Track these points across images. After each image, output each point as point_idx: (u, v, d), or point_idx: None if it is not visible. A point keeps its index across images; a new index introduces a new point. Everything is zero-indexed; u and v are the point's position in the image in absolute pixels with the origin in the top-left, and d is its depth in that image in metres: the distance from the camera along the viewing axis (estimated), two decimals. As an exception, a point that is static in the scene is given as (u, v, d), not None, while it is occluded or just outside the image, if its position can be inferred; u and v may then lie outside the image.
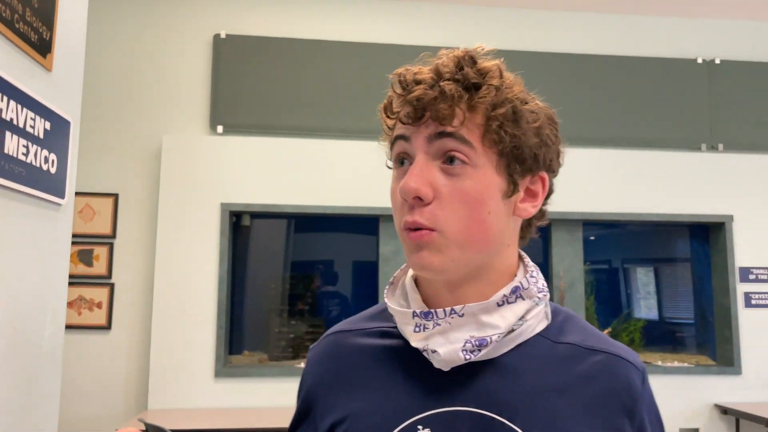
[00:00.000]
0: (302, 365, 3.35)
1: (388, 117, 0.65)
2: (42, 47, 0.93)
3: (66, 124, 1.01)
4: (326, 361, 0.70)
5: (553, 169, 0.66)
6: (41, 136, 0.93)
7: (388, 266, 3.52)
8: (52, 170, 0.97)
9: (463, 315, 0.61)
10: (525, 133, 0.61)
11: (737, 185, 3.67)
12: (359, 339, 0.69)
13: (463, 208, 0.60)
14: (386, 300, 0.67)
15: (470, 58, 0.61)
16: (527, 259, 0.68)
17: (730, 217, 3.64)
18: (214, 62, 3.42)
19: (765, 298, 3.63)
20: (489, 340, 0.60)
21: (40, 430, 0.95)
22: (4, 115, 0.83)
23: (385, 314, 0.70)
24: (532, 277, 0.65)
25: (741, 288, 3.61)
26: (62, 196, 1.00)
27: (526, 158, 0.62)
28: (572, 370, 0.63)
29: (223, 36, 3.44)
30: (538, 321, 0.64)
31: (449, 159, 0.60)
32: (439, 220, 0.60)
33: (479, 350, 0.60)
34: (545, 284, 0.66)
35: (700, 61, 3.79)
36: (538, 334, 0.64)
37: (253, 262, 3.70)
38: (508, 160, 0.61)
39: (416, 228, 0.60)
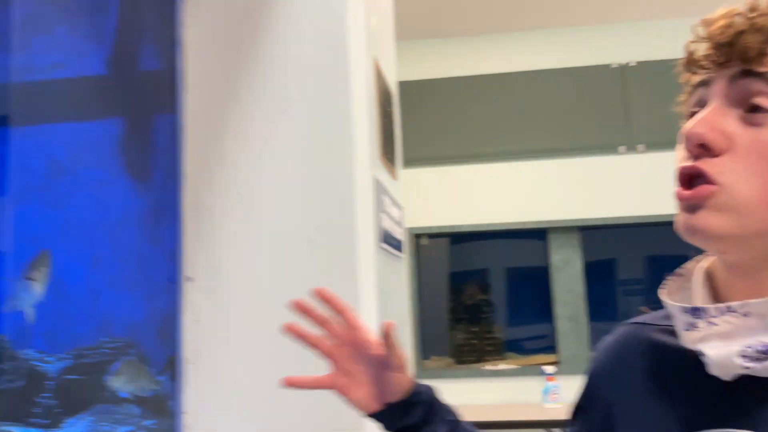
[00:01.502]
0: (487, 367, 4.03)
1: (690, 72, 0.60)
2: (396, 165, 1.68)
3: (402, 208, 1.76)
4: (612, 353, 0.70)
5: None
6: (399, 221, 1.68)
7: (560, 274, 4.09)
8: (400, 237, 1.71)
9: (747, 314, 0.54)
10: None
11: None
12: (653, 334, 0.67)
13: (765, 165, 0.53)
14: (659, 292, 0.63)
15: None
16: None
17: None
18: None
19: None
20: None
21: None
22: (392, 215, 1.58)
23: None
24: None
25: None
26: (402, 251, 1.75)
27: None
28: None
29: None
30: None
31: (753, 108, 0.54)
32: (730, 175, 0.53)
33: (767, 359, 0.52)
34: None
35: None
36: None
37: (431, 276, 4.44)
38: None
39: (691, 179, 0.55)
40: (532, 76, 4.20)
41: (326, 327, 0.77)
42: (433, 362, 4.25)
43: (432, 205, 4.13)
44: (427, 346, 4.29)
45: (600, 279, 4.20)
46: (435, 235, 4.33)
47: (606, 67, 4.15)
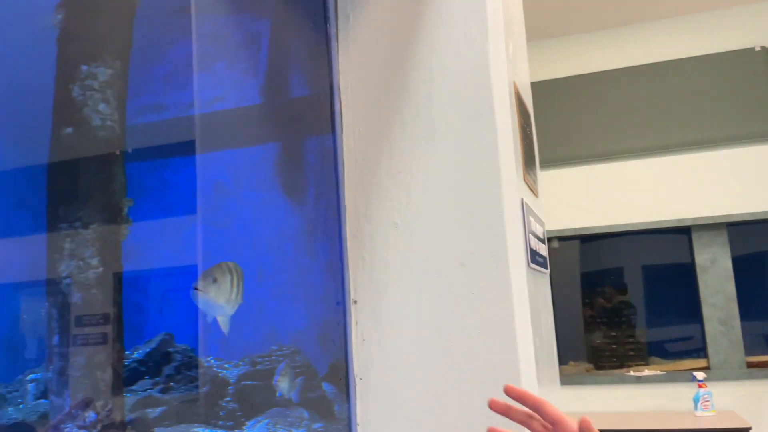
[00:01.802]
0: (631, 373, 3.91)
1: None
2: (537, 182, 1.74)
3: (544, 224, 1.80)
4: None
5: None
6: (543, 237, 1.73)
7: (707, 275, 3.89)
8: (545, 254, 1.76)
9: None
10: None
11: None
12: None
13: None
14: None
15: None
16: None
17: None
18: (520, 109, 4.22)
19: None
20: None
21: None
22: (537, 234, 1.63)
23: None
24: None
25: None
26: (548, 269, 1.80)
27: None
28: None
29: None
30: None
31: None
32: None
33: None
34: None
35: None
36: None
37: (563, 277, 4.38)
38: None
39: None
40: (668, 66, 4.02)
41: (530, 425, 0.76)
42: (572, 368, 4.20)
43: (564, 207, 4.08)
44: (563, 351, 4.24)
45: (751, 276, 3.94)
46: (567, 238, 4.27)
47: (749, 50, 3.89)
